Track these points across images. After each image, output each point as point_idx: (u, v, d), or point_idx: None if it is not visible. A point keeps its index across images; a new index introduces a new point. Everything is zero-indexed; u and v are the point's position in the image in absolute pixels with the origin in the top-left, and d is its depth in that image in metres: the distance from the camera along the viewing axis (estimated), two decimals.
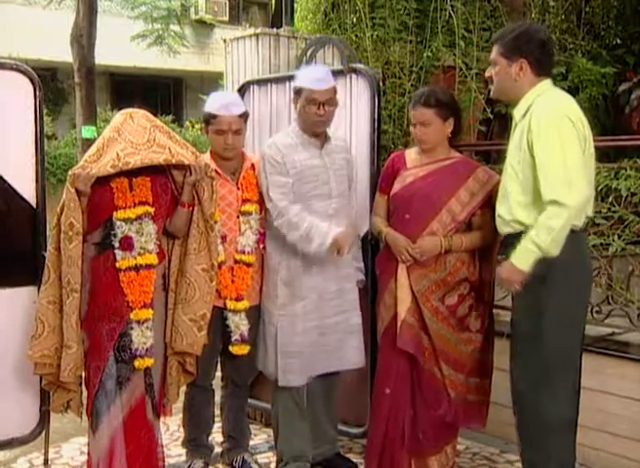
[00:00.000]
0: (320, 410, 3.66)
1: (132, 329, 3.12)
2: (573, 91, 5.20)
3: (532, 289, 2.86)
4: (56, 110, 14.78)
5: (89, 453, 3.24)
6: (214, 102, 3.48)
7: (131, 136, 3.12)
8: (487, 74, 3.11)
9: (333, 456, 3.74)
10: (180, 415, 3.73)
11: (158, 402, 3.27)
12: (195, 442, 3.69)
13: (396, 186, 3.35)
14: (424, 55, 4.79)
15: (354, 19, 4.84)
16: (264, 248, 3.52)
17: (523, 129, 2.90)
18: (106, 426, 3.14)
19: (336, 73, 3.72)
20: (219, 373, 3.72)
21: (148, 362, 3.15)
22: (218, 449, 3.81)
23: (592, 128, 2.95)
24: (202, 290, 3.24)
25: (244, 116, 3.48)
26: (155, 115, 3.36)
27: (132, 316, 3.12)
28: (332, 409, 3.72)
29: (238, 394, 3.73)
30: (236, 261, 3.46)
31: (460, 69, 4.78)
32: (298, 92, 3.41)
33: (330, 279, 3.46)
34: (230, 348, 3.46)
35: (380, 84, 4.13)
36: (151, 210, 3.18)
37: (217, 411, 3.75)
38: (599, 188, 3.89)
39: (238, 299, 3.44)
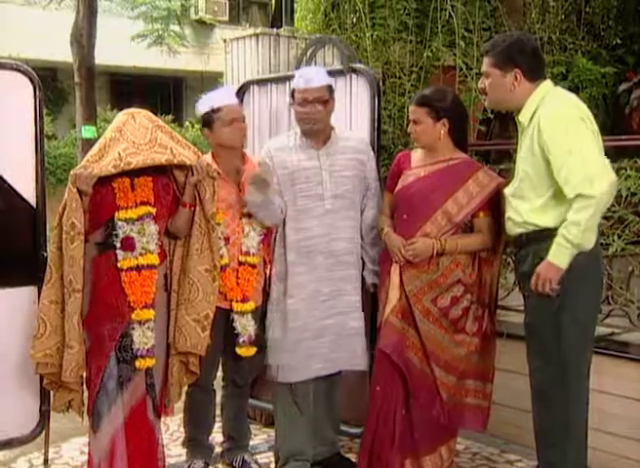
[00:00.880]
0: (321, 411, 3.65)
1: (133, 329, 3.12)
2: (573, 91, 5.15)
3: None
4: (56, 110, 14.78)
5: (89, 453, 3.24)
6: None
7: (133, 137, 3.12)
8: (480, 85, 3.12)
9: (333, 456, 3.74)
10: (181, 415, 3.73)
11: (159, 402, 3.27)
12: (195, 442, 3.70)
13: (399, 185, 3.36)
14: (424, 55, 4.78)
15: (354, 19, 4.84)
16: (269, 246, 3.53)
17: (533, 133, 2.90)
18: (107, 426, 3.15)
19: (336, 73, 3.72)
20: (219, 374, 3.72)
21: (149, 362, 3.15)
22: (218, 449, 3.81)
23: None
24: (205, 290, 3.24)
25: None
26: (155, 115, 3.36)
27: (133, 316, 3.12)
28: (334, 411, 3.71)
29: (239, 394, 3.74)
30: (240, 263, 3.46)
31: (461, 69, 4.77)
32: (292, 93, 3.44)
33: (322, 280, 3.42)
34: (237, 350, 3.46)
35: (380, 84, 4.13)
36: (153, 210, 3.18)
37: (217, 411, 3.75)
38: None
39: (244, 301, 3.44)
